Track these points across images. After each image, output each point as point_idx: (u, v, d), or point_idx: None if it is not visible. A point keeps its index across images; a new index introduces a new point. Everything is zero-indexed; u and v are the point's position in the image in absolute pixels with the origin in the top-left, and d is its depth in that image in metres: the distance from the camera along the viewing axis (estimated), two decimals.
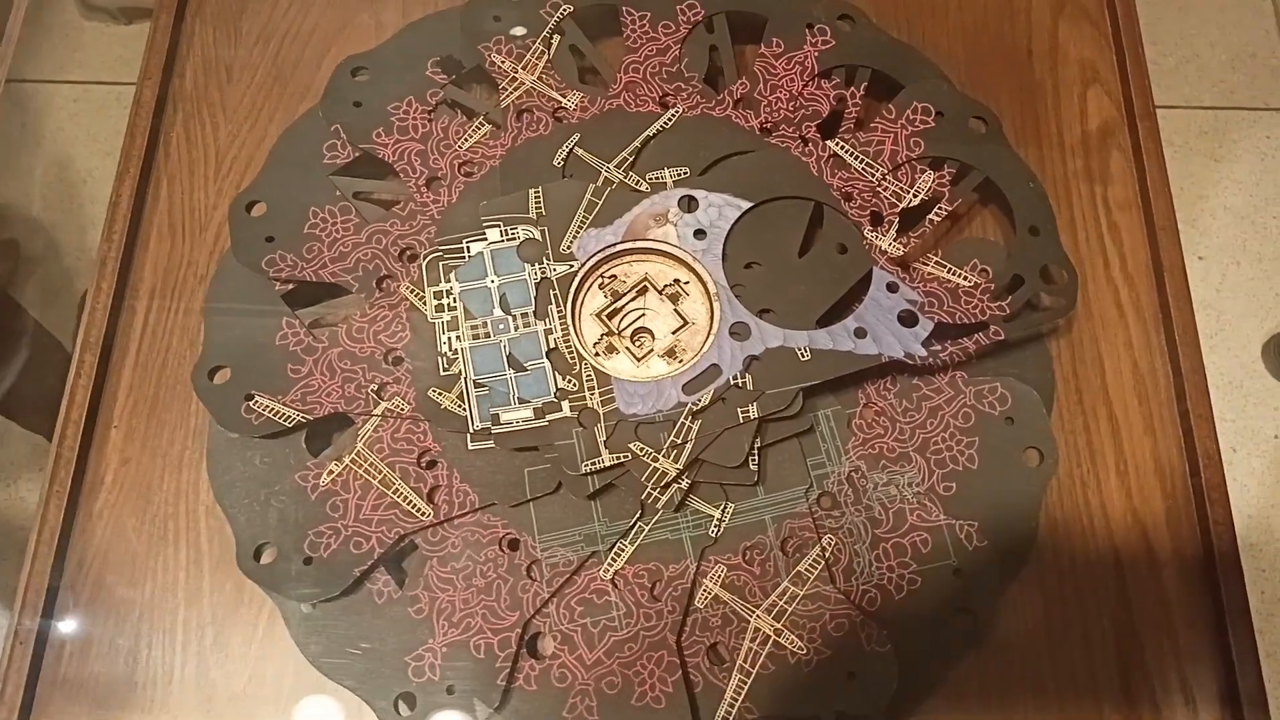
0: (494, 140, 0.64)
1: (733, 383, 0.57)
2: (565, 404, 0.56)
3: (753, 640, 0.56)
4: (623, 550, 0.57)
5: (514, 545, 0.57)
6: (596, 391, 0.57)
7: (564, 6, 0.68)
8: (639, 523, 0.57)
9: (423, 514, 0.57)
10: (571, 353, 0.58)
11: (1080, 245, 0.68)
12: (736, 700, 0.54)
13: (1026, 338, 0.64)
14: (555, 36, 0.67)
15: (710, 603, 0.57)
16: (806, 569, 0.57)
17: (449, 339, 0.58)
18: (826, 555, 0.57)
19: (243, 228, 0.62)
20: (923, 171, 0.63)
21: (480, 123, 0.65)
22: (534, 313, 0.58)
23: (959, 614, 0.57)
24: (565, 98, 0.65)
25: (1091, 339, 0.66)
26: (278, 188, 0.63)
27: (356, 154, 0.64)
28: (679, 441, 0.56)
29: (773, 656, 0.55)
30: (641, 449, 0.56)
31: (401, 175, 0.63)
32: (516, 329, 0.58)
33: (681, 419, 0.56)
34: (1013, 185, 0.63)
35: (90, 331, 0.63)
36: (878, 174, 0.63)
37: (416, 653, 0.54)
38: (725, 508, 0.58)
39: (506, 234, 0.60)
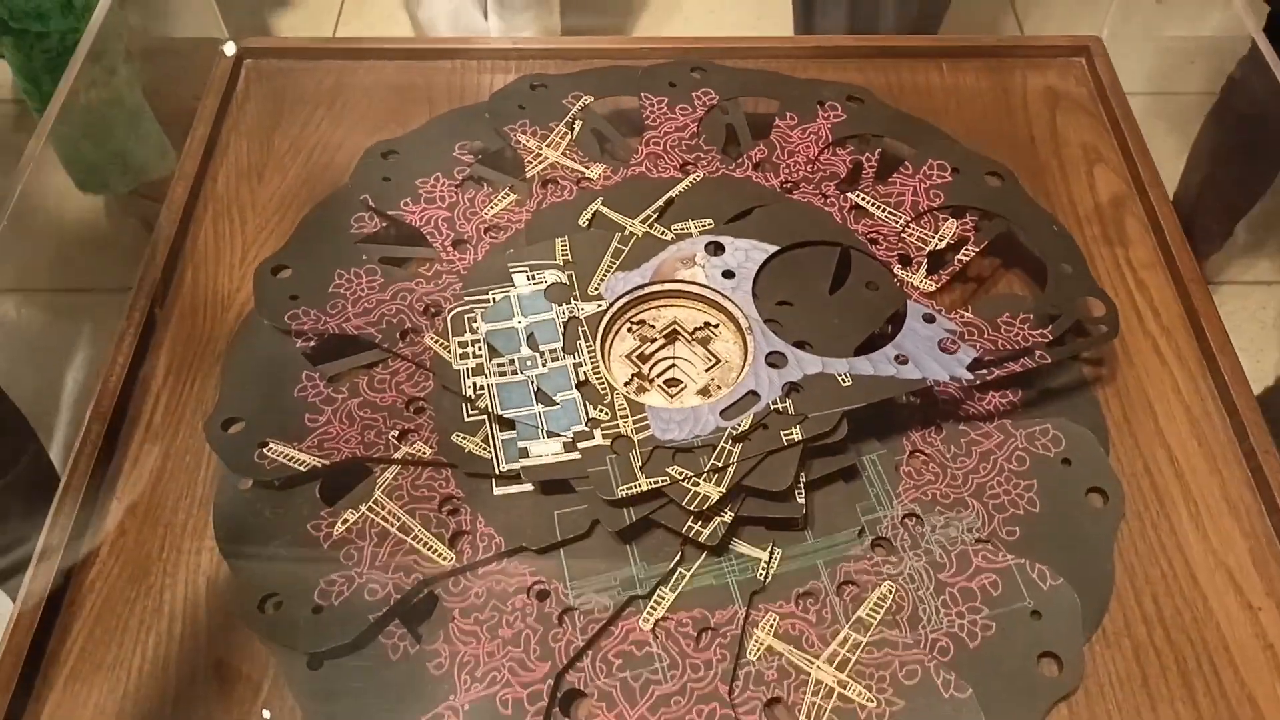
0: (519, 207, 0.65)
1: (773, 408, 0.54)
2: (598, 432, 0.53)
3: (815, 694, 0.49)
4: (664, 598, 0.52)
5: (543, 595, 0.52)
6: (630, 419, 0.54)
7: (585, 97, 0.71)
8: (680, 567, 0.53)
9: (444, 559, 0.52)
10: (602, 384, 0.55)
11: (1111, 299, 0.67)
12: None
13: (1072, 384, 0.62)
14: (578, 122, 0.70)
15: (764, 654, 0.51)
16: (868, 614, 0.52)
17: (474, 383, 0.56)
18: (888, 602, 0.52)
19: (267, 288, 0.62)
20: (945, 220, 0.64)
21: (506, 192, 0.66)
22: (562, 348, 0.57)
23: (1044, 659, 0.51)
24: (588, 169, 0.67)
25: (1138, 386, 0.64)
26: (304, 254, 0.64)
27: (384, 224, 0.65)
28: (720, 465, 0.52)
29: (840, 711, 0.49)
30: (680, 473, 0.52)
31: (428, 238, 0.64)
32: (544, 365, 0.56)
33: (721, 443, 0.53)
34: (1037, 229, 0.64)
35: (101, 401, 0.61)
36: (901, 221, 0.63)
37: (435, 712, 0.48)
38: (772, 551, 0.53)
39: (533, 279, 0.59)
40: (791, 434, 0.53)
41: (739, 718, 0.48)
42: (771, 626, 0.51)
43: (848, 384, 0.55)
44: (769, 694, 0.49)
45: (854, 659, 0.50)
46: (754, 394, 0.55)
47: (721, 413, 0.54)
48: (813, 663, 0.50)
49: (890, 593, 0.52)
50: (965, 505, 0.56)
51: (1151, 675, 0.52)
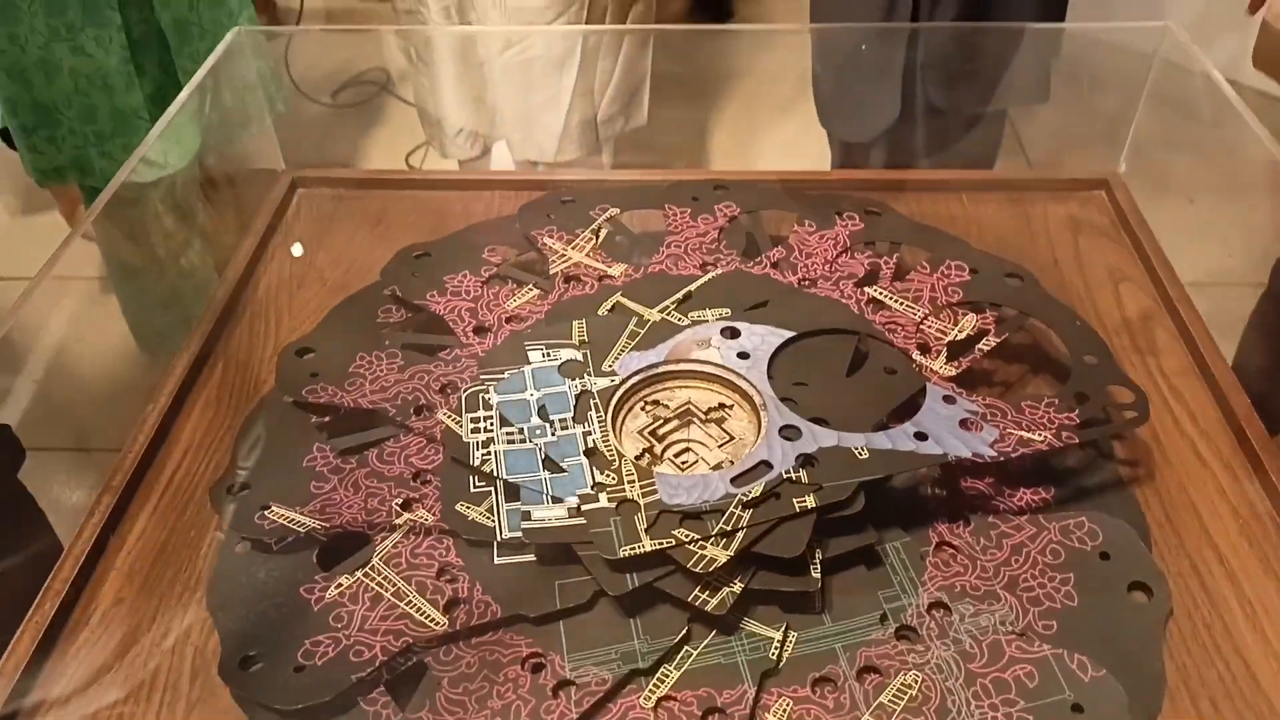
0: (541, 300, 0.67)
1: (785, 477, 0.52)
2: (603, 496, 0.52)
3: None
4: (667, 675, 0.48)
5: (538, 666, 0.49)
6: (637, 484, 0.52)
7: (611, 209, 0.74)
8: (686, 645, 0.49)
9: (436, 624, 0.49)
10: (611, 453, 0.54)
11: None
12: None
13: (1108, 482, 0.60)
14: (603, 229, 0.72)
15: None
16: (891, 700, 0.48)
17: (482, 453, 0.55)
18: (913, 690, 0.48)
19: (289, 367, 0.63)
20: (964, 314, 0.63)
21: (529, 287, 0.68)
22: (573, 419, 0.56)
23: None
24: (610, 268, 0.69)
25: (1179, 487, 0.60)
26: (328, 338, 0.65)
27: (409, 314, 0.67)
28: (729, 529, 0.50)
29: None
30: (687, 535, 0.50)
31: (450, 324, 0.65)
32: (553, 434, 0.55)
33: (731, 508, 0.51)
34: (1059, 323, 0.63)
35: (115, 478, 0.61)
36: (919, 314, 0.63)
37: None
38: (786, 632, 0.50)
39: (548, 355, 0.60)
40: (805, 501, 0.51)
41: None
42: (785, 711, 0.47)
43: (865, 456, 0.53)
44: None
45: None
46: (766, 464, 0.53)
47: (732, 480, 0.52)
48: None
49: (916, 682, 0.48)
50: (997, 598, 0.52)
51: None
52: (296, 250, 0.81)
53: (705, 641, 0.50)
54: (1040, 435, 0.55)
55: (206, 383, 0.69)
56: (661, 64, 1.45)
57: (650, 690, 0.48)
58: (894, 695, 0.48)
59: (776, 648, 0.49)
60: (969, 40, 1.12)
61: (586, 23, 1.33)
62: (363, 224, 0.84)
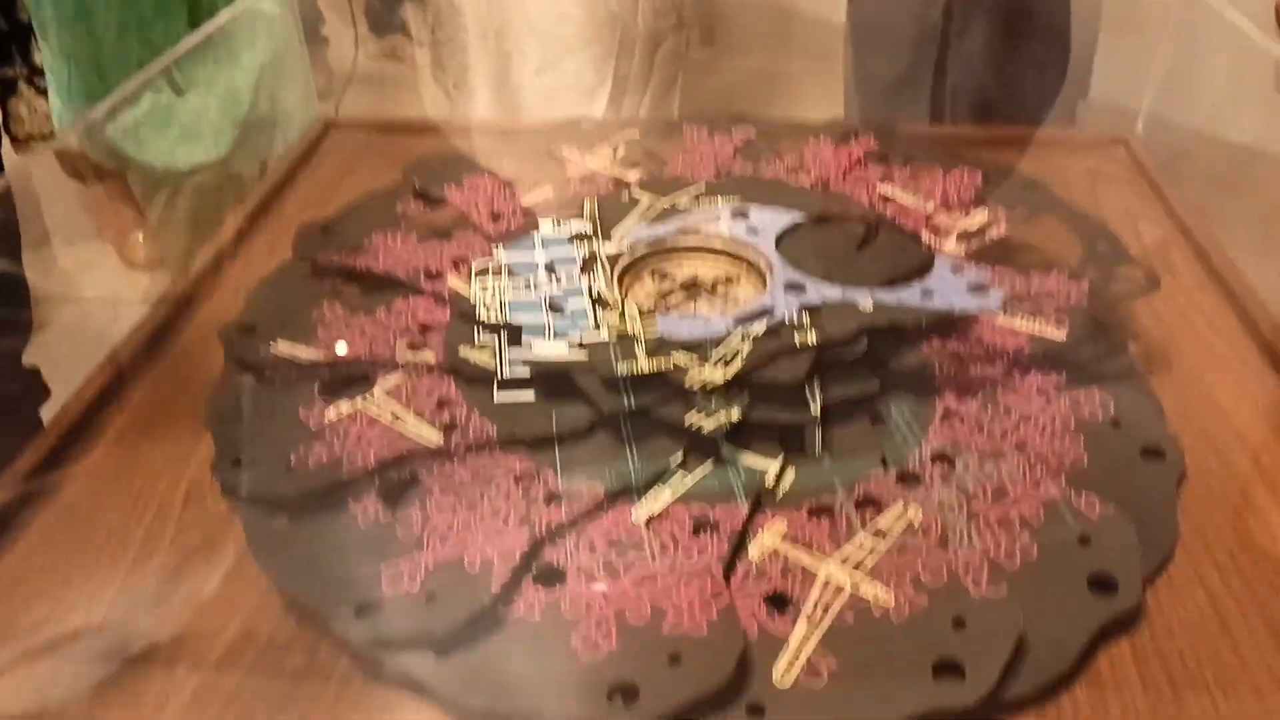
0: (555, 199, 0.68)
1: (788, 321, 0.52)
2: (605, 331, 0.52)
3: (824, 590, 0.43)
4: (660, 497, 0.47)
5: (531, 481, 0.48)
6: (639, 321, 0.52)
7: (630, 130, 0.76)
8: (681, 470, 0.48)
9: (431, 440, 0.49)
10: (615, 299, 0.54)
11: (1161, 315, 0.64)
12: (805, 649, 0.41)
13: (1121, 371, 0.58)
14: (620, 146, 0.74)
15: (767, 554, 0.45)
16: (889, 524, 0.46)
17: (487, 306, 0.56)
18: (912, 519, 0.46)
19: (306, 239, 0.64)
20: (976, 208, 0.64)
21: (545, 185, 0.69)
22: (579, 273, 0.56)
23: (1096, 586, 0.44)
24: (626, 173, 0.70)
25: (1195, 376, 0.59)
26: (348, 221, 0.66)
27: (427, 207, 0.68)
28: (728, 356, 0.49)
29: (851, 606, 0.42)
30: (687, 359, 0.49)
31: (466, 212, 0.66)
32: (560, 286, 0.56)
33: (731, 339, 0.50)
34: (1070, 216, 0.63)
35: (128, 343, 0.62)
36: (930, 207, 0.63)
37: (396, 565, 0.43)
38: (784, 464, 0.49)
39: (558, 225, 0.60)
40: (807, 338, 0.50)
41: (733, 600, 0.42)
42: (779, 532, 0.46)
43: (869, 310, 0.53)
44: (770, 588, 0.43)
45: (871, 562, 0.44)
46: (769, 311, 0.53)
47: (735, 320, 0.52)
48: (823, 561, 0.44)
49: (916, 514, 0.47)
50: (1004, 456, 0.51)
51: (1233, 622, 0.44)
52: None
53: (700, 470, 0.49)
54: (1052, 299, 0.54)
55: (228, 274, 0.71)
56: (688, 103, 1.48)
57: (643, 509, 0.47)
58: (893, 519, 0.46)
59: (773, 477, 0.48)
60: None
61: (618, 58, 1.37)
62: (394, 162, 0.86)
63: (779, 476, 0.48)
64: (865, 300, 0.53)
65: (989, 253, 0.61)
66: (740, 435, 0.49)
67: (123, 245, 1.51)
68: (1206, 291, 0.67)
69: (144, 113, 1.16)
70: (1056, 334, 0.58)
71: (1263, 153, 0.87)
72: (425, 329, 0.57)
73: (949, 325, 0.54)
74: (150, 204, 1.24)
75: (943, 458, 0.51)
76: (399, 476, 0.48)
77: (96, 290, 1.55)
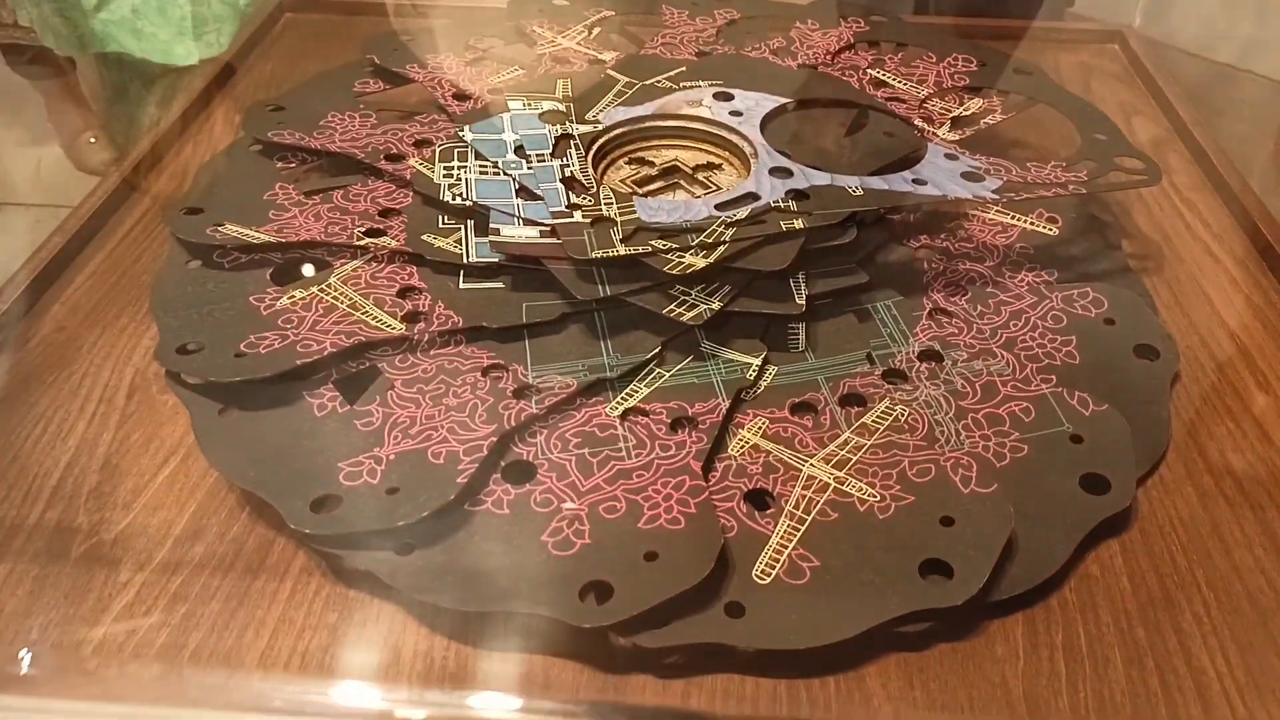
0: (526, 78, 0.64)
1: (773, 205, 0.49)
2: (578, 214, 0.48)
3: (807, 488, 0.41)
4: (636, 391, 0.45)
5: (499, 374, 0.45)
6: (615, 205, 0.49)
7: (607, 12, 0.71)
8: (659, 367, 0.46)
9: (393, 329, 0.46)
10: (589, 180, 0.51)
11: (1156, 215, 0.62)
12: (786, 547, 0.39)
13: (1115, 269, 0.56)
14: (596, 28, 0.69)
15: (748, 451, 0.43)
16: (874, 421, 0.44)
17: (453, 192, 0.52)
18: (898, 417, 0.44)
19: (257, 117, 0.59)
20: (971, 97, 0.60)
21: (515, 67, 0.65)
22: (550, 155, 0.53)
23: (1088, 485, 0.42)
24: (601, 54, 0.65)
25: (1190, 278, 0.57)
26: (301, 100, 0.62)
27: (387, 86, 0.64)
28: (710, 242, 0.47)
29: (835, 505, 0.40)
30: (664, 245, 0.46)
31: (429, 90, 0.62)
32: (530, 168, 0.52)
33: (714, 226, 0.47)
34: (1068, 106, 0.60)
35: (69, 221, 0.58)
36: (923, 93, 0.60)
37: (355, 459, 0.41)
38: (766, 359, 0.46)
39: (529, 105, 0.56)
40: (793, 223, 0.48)
41: (712, 498, 0.40)
42: (760, 429, 0.44)
43: (859, 194, 0.50)
44: (751, 485, 0.41)
45: (855, 459, 0.42)
46: (754, 195, 0.50)
47: (716, 206, 0.49)
48: (805, 460, 0.42)
49: (903, 413, 0.45)
50: (993, 354, 0.49)
51: (1223, 521, 0.43)
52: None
53: (679, 366, 0.46)
54: (1048, 187, 0.52)
55: (176, 157, 0.66)
56: None
57: (618, 402, 0.44)
58: (878, 417, 0.44)
59: (755, 372, 0.46)
60: None
61: None
62: (351, 42, 0.80)
63: (760, 371, 0.46)
64: (855, 185, 0.50)
65: (983, 140, 0.58)
66: (721, 327, 0.47)
67: (73, 148, 1.43)
68: (1203, 192, 0.64)
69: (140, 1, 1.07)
70: (1049, 229, 0.55)
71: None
72: (386, 214, 0.53)
73: (940, 213, 0.51)
74: (106, 103, 1.16)
75: (930, 355, 0.48)
76: (358, 367, 0.45)
77: (47, 196, 1.48)
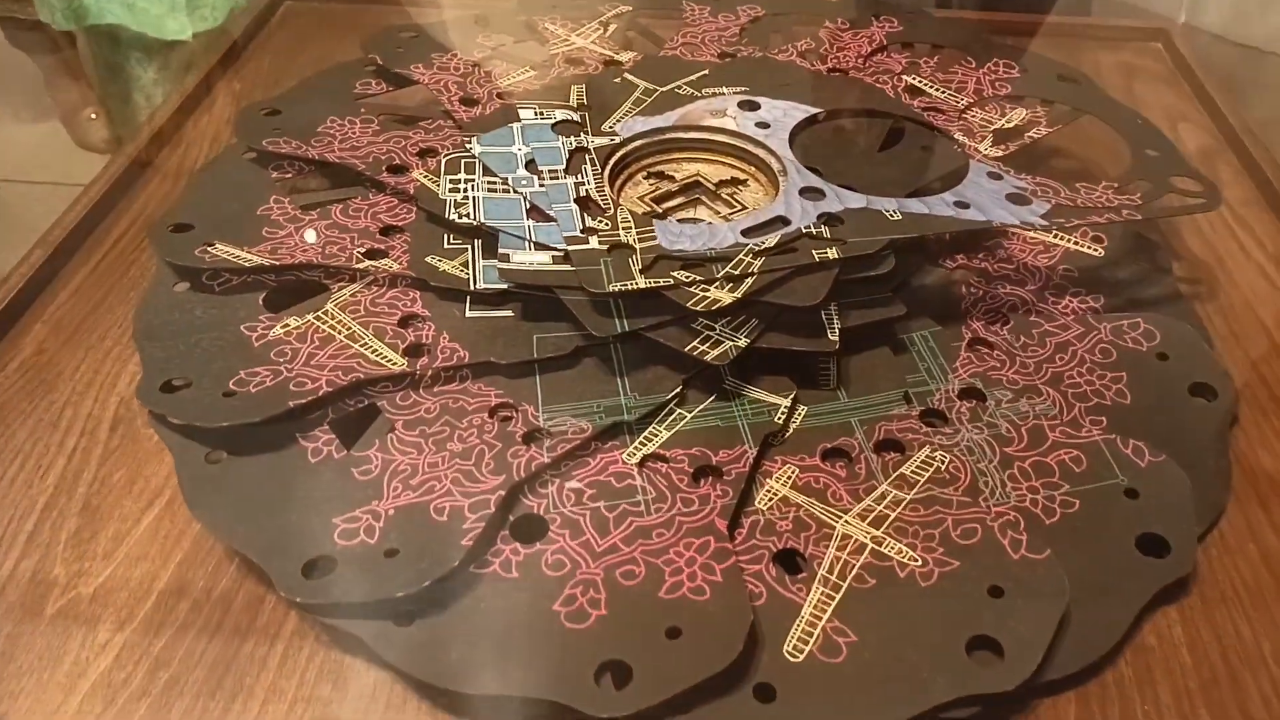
0: (537, 82, 0.60)
1: (805, 231, 0.45)
2: (594, 240, 0.45)
3: (842, 549, 0.38)
4: (656, 435, 0.42)
5: (508, 416, 0.42)
6: (634, 230, 0.45)
7: (623, 6, 0.67)
8: (680, 408, 0.43)
9: (393, 364, 0.43)
10: (605, 201, 0.47)
11: (1207, 234, 0.58)
12: (820, 619, 0.35)
13: (1166, 296, 0.52)
14: (612, 23, 0.65)
15: (776, 504, 0.40)
16: (914, 472, 0.41)
17: (459, 210, 0.48)
18: (939, 467, 0.41)
19: (251, 122, 0.56)
20: (1013, 107, 0.56)
21: (525, 68, 0.61)
22: (564, 170, 0.49)
23: (1145, 547, 0.39)
24: (618, 54, 0.62)
25: (1246, 306, 0.54)
26: (298, 102, 0.58)
27: (391, 87, 0.60)
28: (736, 274, 0.43)
29: (873, 569, 0.37)
30: (688, 277, 0.43)
31: (435, 93, 0.58)
32: (542, 185, 0.48)
33: (741, 255, 0.44)
34: (1118, 120, 0.56)
35: (53, 232, 0.55)
36: (962, 103, 0.56)
37: (351, 513, 0.37)
38: (795, 400, 0.43)
39: (541, 115, 0.53)
40: (826, 253, 0.44)
41: (738, 560, 0.37)
42: (789, 479, 0.40)
43: (897, 219, 0.46)
44: (780, 544, 0.38)
45: (893, 516, 0.39)
46: (783, 220, 0.46)
47: (743, 231, 0.45)
48: (839, 517, 0.39)
49: (943, 461, 0.41)
50: (1039, 392, 0.45)
51: None
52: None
53: (702, 406, 0.43)
54: (1100, 212, 0.48)
55: (168, 159, 0.63)
56: None
57: (635, 448, 0.41)
58: (917, 468, 0.41)
59: (783, 414, 0.42)
60: None
61: None
62: (349, 32, 0.77)
63: (789, 414, 0.42)
64: (892, 209, 0.47)
65: (1026, 154, 0.54)
66: (747, 366, 0.43)
67: (73, 125, 1.40)
68: (1255, 208, 0.60)
69: None
70: (1094, 249, 0.52)
71: None
72: (388, 231, 0.50)
73: (978, 230, 0.48)
74: (102, 79, 1.12)
75: (971, 393, 0.45)
76: (355, 407, 0.42)
77: (47, 174, 1.44)
